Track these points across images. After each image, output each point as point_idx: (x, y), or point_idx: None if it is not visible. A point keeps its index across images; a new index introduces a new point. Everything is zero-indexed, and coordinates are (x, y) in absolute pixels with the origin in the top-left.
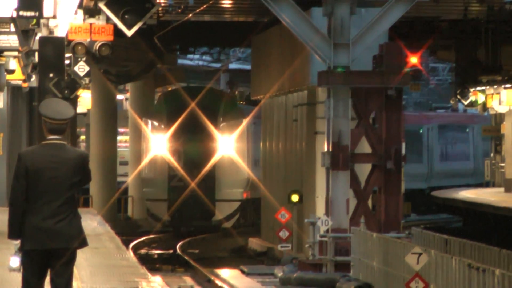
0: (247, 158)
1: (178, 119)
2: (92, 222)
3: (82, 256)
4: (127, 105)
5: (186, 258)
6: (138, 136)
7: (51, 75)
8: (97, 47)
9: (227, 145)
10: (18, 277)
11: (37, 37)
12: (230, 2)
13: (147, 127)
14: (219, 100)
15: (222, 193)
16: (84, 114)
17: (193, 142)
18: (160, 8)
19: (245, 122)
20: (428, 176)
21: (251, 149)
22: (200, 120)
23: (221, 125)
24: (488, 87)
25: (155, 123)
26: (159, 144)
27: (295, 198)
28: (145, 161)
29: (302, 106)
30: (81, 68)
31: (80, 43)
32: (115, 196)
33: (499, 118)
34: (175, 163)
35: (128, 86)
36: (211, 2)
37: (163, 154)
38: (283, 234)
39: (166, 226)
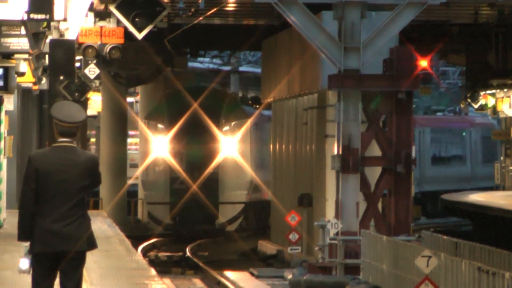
0: (250, 160)
1: (179, 120)
2: (102, 225)
3: (91, 259)
4: (137, 108)
5: (196, 260)
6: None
7: (61, 77)
8: (107, 50)
9: (230, 146)
10: (27, 279)
11: (48, 40)
12: (241, 5)
13: (149, 129)
14: (222, 101)
15: (225, 196)
16: (94, 117)
17: (195, 143)
18: (170, 11)
19: (248, 123)
20: (420, 181)
21: (254, 151)
22: (202, 121)
23: (224, 126)
24: (498, 90)
25: (157, 125)
26: (160, 145)
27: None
28: (146, 163)
29: (312, 109)
30: (92, 71)
31: (90, 46)
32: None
33: (509, 121)
34: (176, 165)
35: (138, 89)
36: (221, 5)
37: (165, 156)
38: (293, 236)
39: (167, 230)
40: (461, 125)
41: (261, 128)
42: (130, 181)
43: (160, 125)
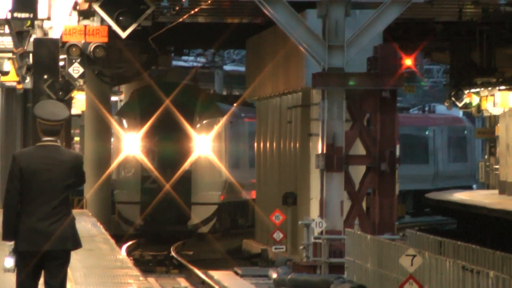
0: (225, 159)
1: (151, 116)
2: (86, 224)
3: (76, 258)
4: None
5: (180, 259)
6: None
7: (45, 76)
8: (91, 49)
9: (204, 145)
10: (12, 278)
11: (32, 39)
12: (225, 3)
13: (120, 126)
14: (196, 97)
15: (199, 196)
16: (78, 116)
17: (167, 141)
18: (154, 10)
19: (223, 120)
20: None
21: (230, 150)
22: (175, 118)
23: (198, 123)
24: (482, 89)
25: (127, 121)
26: (131, 143)
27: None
28: (116, 161)
29: (297, 107)
30: (76, 70)
31: (74, 45)
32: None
33: (493, 120)
34: (148, 164)
35: (122, 87)
36: (205, 3)
37: (136, 154)
38: (277, 236)
39: (138, 231)
40: (424, 124)
41: (237, 126)
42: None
43: (131, 122)
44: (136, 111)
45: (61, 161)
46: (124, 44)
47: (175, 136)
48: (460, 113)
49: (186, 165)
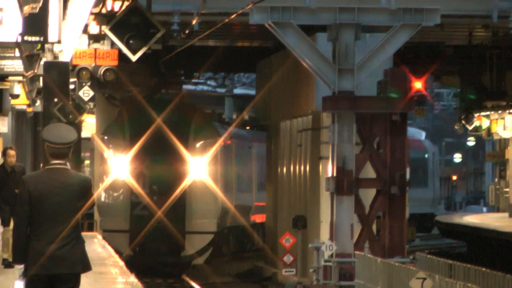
0: (221, 184)
1: (142, 137)
2: (96, 247)
3: (86, 281)
4: None
5: (191, 282)
6: None
7: (55, 100)
8: (101, 72)
9: (200, 168)
10: None
11: (42, 62)
12: (235, 27)
13: (106, 146)
14: (191, 116)
15: (193, 224)
16: (88, 139)
17: (159, 164)
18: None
19: (219, 141)
20: None
21: (228, 173)
22: (168, 138)
23: (193, 145)
24: (492, 112)
25: (116, 142)
26: (119, 166)
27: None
28: (103, 185)
29: (307, 131)
30: (86, 93)
31: (84, 68)
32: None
33: (503, 143)
34: (138, 189)
35: None
36: (215, 27)
37: (125, 178)
38: (288, 259)
39: (127, 263)
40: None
41: (238, 148)
42: None
43: (119, 142)
44: (125, 131)
45: (69, 184)
46: (134, 67)
47: (168, 158)
48: (423, 135)
49: (180, 190)
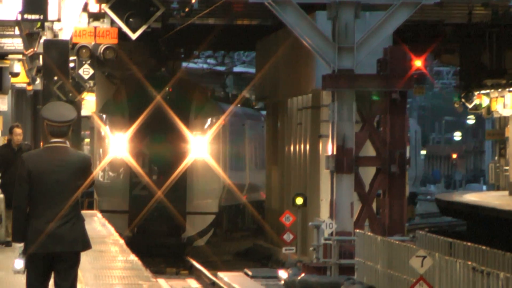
0: (223, 162)
1: (141, 114)
2: (96, 225)
3: (86, 259)
4: None
5: (191, 260)
6: None
7: (55, 78)
8: (101, 50)
9: (201, 146)
10: (22, 280)
11: (42, 40)
12: (235, 5)
13: (104, 124)
14: (191, 93)
15: (194, 205)
16: (88, 117)
17: (159, 142)
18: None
19: (221, 119)
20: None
21: (229, 152)
22: (168, 116)
23: (194, 122)
24: (492, 90)
25: (114, 119)
26: (118, 144)
27: (299, 201)
28: (101, 165)
29: (307, 109)
30: (86, 71)
31: (84, 46)
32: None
33: (503, 121)
34: (138, 168)
35: None
36: (215, 5)
37: (124, 156)
38: (288, 237)
39: (126, 244)
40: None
41: (236, 125)
42: None
43: (117, 120)
44: (124, 108)
45: (69, 162)
46: (133, 45)
47: (168, 136)
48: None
49: (180, 169)
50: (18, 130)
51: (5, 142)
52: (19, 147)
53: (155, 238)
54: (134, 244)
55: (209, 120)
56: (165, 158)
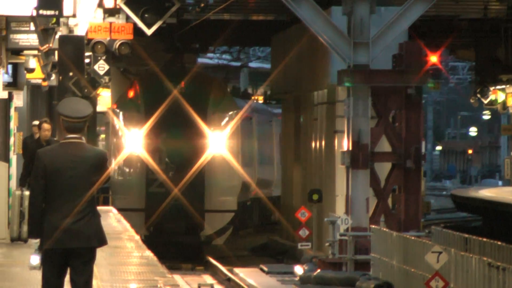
0: (241, 158)
1: (158, 109)
2: (112, 221)
3: (101, 255)
4: None
5: (207, 256)
6: None
7: (70, 74)
8: (116, 46)
9: (219, 142)
10: (38, 275)
11: (57, 36)
12: (250, 0)
13: (119, 119)
14: (209, 87)
15: (213, 202)
16: (103, 113)
17: (176, 138)
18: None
19: (240, 114)
20: None
21: (247, 147)
22: (185, 111)
23: (212, 117)
24: (508, 85)
25: (130, 114)
26: (134, 140)
27: (315, 197)
28: (116, 161)
29: (322, 105)
30: (101, 67)
31: (99, 42)
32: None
33: None
34: (154, 165)
35: None
36: (230, 0)
37: (139, 153)
38: (303, 232)
39: (143, 242)
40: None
41: (258, 122)
42: None
43: (133, 115)
44: (139, 103)
45: (85, 158)
46: (149, 41)
47: (185, 132)
48: None
49: (198, 166)
50: (46, 126)
51: (20, 138)
52: (47, 143)
53: (173, 237)
54: (150, 243)
55: (227, 115)
56: (182, 154)
